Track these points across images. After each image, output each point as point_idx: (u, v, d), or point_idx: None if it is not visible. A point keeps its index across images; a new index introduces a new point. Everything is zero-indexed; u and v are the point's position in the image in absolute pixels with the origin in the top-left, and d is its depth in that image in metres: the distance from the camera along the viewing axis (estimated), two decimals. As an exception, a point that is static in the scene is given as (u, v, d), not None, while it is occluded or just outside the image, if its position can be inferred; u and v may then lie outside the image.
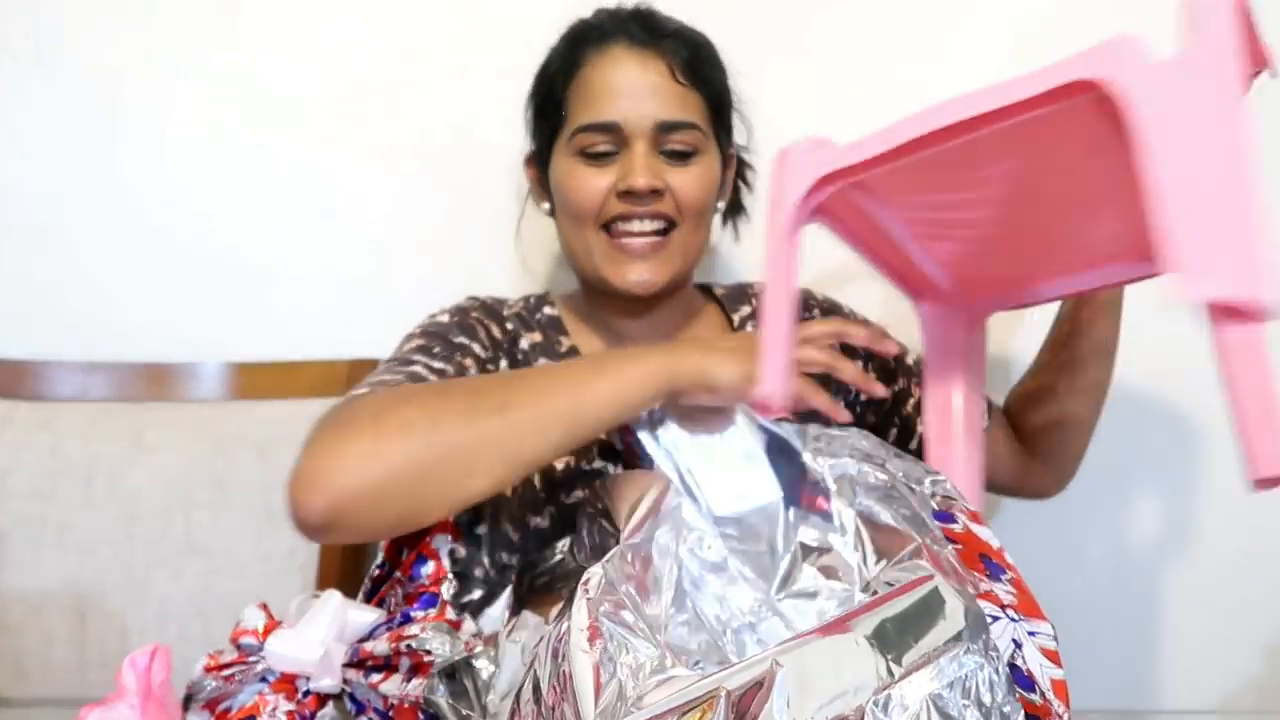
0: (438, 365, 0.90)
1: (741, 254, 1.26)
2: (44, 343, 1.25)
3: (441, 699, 0.65)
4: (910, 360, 1.12)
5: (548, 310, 1.05)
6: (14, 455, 1.17)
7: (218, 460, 1.18)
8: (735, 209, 1.12)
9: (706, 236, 1.02)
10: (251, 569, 1.16)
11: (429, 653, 0.66)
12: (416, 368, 0.88)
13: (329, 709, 0.68)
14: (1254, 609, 1.30)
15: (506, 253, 1.27)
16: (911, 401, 1.10)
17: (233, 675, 0.68)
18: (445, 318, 0.98)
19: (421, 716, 0.67)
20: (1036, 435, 1.10)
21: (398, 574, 0.80)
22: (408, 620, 0.71)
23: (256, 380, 1.24)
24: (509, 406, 0.75)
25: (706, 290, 1.13)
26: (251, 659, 0.69)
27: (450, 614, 0.72)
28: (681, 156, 0.96)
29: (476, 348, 0.95)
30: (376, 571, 0.82)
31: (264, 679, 0.68)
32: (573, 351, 1.01)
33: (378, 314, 1.29)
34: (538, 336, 1.01)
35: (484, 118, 1.27)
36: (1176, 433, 1.31)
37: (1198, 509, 1.31)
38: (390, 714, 0.68)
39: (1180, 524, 1.31)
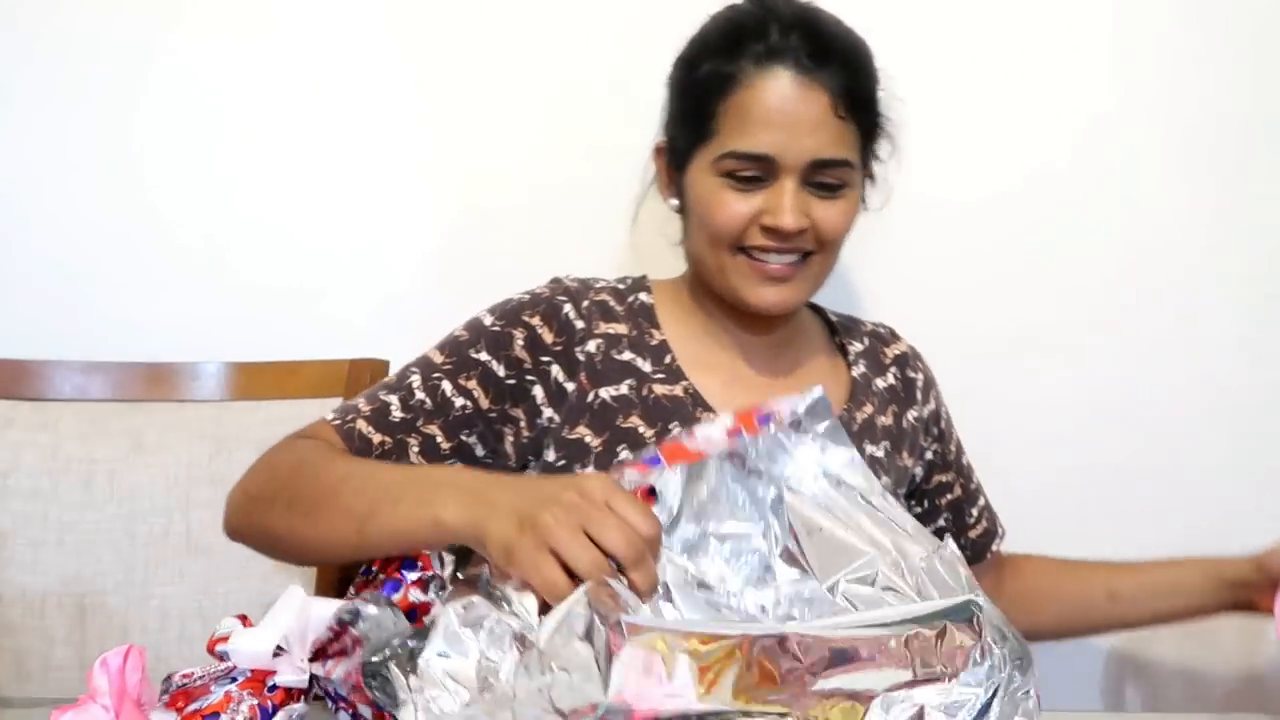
0: (418, 397, 0.93)
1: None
2: (45, 343, 1.25)
3: (392, 665, 0.60)
4: (965, 460, 1.12)
5: (643, 297, 1.01)
6: (15, 455, 1.17)
7: (218, 460, 1.18)
8: None
9: (838, 257, 0.99)
10: (252, 569, 1.16)
11: (362, 633, 0.63)
12: (393, 399, 0.92)
13: (301, 705, 0.68)
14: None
15: (509, 251, 1.27)
16: (949, 497, 1.10)
17: (205, 675, 0.69)
18: (488, 319, 0.97)
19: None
20: (1043, 619, 1.10)
21: (381, 576, 0.79)
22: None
23: (256, 380, 1.24)
24: (317, 510, 0.80)
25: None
26: (226, 665, 0.69)
27: (416, 596, 0.71)
28: (829, 189, 0.92)
29: (496, 366, 0.94)
30: (360, 580, 0.82)
31: (233, 679, 0.68)
32: (663, 347, 0.98)
33: (377, 314, 1.29)
34: (623, 328, 0.98)
35: (486, 117, 1.27)
36: (1176, 435, 1.31)
37: (1196, 510, 1.31)
38: (352, 697, 0.67)
39: (1178, 525, 1.31)
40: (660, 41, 1.25)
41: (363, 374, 1.20)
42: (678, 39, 1.24)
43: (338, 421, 0.92)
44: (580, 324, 0.96)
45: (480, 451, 0.95)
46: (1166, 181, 1.29)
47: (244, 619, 0.72)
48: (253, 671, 0.67)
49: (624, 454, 0.93)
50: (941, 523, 1.11)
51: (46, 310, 1.28)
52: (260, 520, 0.86)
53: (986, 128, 1.29)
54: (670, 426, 0.94)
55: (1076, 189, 1.29)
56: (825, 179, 0.91)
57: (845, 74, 0.91)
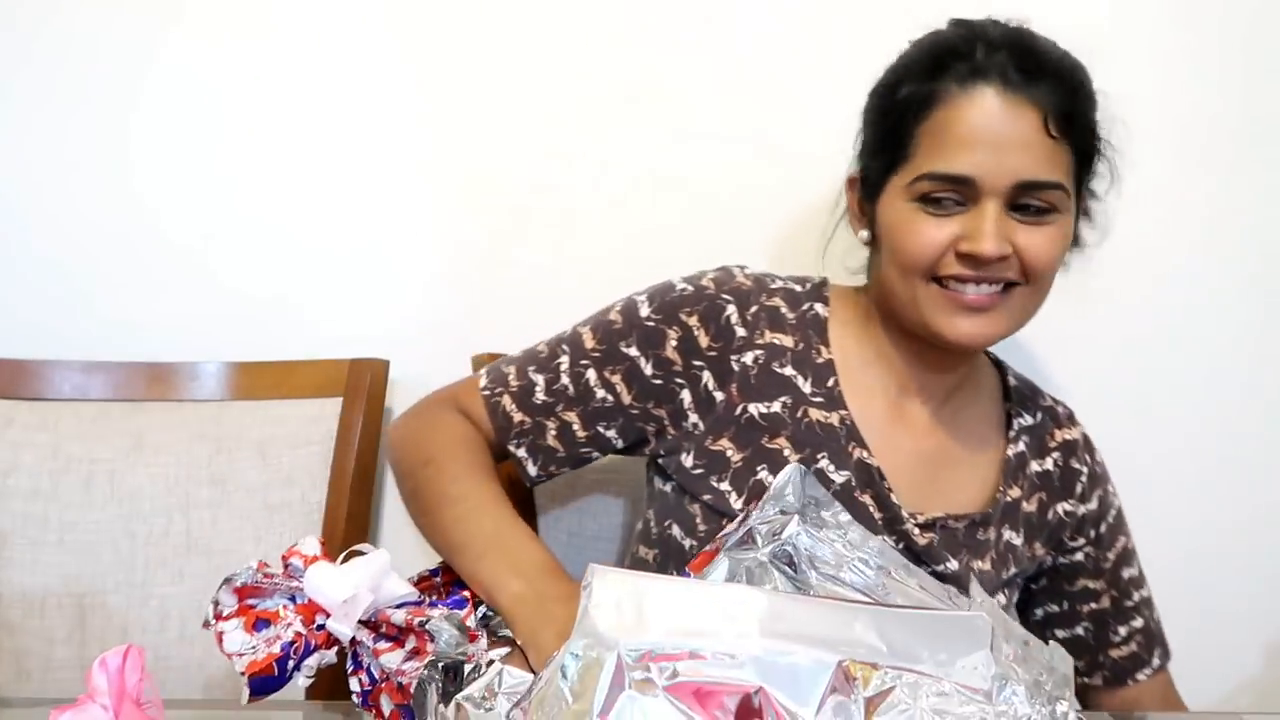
0: (562, 381, 0.94)
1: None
2: (45, 343, 1.25)
3: (431, 686, 0.66)
4: (1128, 574, 1.03)
5: (818, 309, 0.96)
6: (15, 455, 1.17)
7: (218, 460, 1.18)
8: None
9: (1047, 294, 0.90)
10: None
11: (433, 638, 0.68)
12: (540, 380, 0.94)
13: (331, 653, 0.72)
14: (1252, 609, 1.30)
15: (510, 252, 1.27)
16: (1092, 606, 1.01)
17: (274, 579, 0.73)
18: (645, 309, 0.93)
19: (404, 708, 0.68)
20: None
21: (439, 579, 0.82)
22: (434, 608, 0.73)
23: (256, 380, 1.24)
24: (427, 514, 0.89)
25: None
26: (295, 579, 0.73)
27: (473, 623, 0.74)
28: (1037, 214, 0.85)
29: (644, 364, 0.92)
30: (425, 575, 0.85)
31: (293, 597, 0.72)
32: (828, 368, 0.93)
33: (378, 314, 1.29)
34: (789, 340, 0.93)
35: (488, 117, 1.27)
36: (1182, 435, 1.30)
37: (1197, 510, 1.31)
38: (381, 684, 0.69)
39: (1179, 526, 1.30)
40: (663, 41, 1.26)
41: (363, 374, 1.21)
42: (682, 38, 1.25)
43: (487, 392, 0.95)
44: (742, 331, 0.92)
45: (619, 444, 0.95)
46: (1160, 180, 1.29)
47: (324, 544, 0.76)
48: (310, 600, 0.71)
49: (763, 473, 0.90)
50: (1080, 631, 1.02)
51: (46, 310, 1.28)
52: (399, 485, 0.95)
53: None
54: (819, 456, 0.90)
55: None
56: (1032, 201, 0.84)
57: (1058, 91, 0.85)
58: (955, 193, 0.84)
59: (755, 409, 0.91)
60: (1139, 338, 1.30)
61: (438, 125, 1.28)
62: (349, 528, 1.16)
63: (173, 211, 1.28)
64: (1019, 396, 1.02)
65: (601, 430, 0.94)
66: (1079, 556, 1.00)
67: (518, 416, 0.94)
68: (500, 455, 0.95)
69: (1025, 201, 0.85)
